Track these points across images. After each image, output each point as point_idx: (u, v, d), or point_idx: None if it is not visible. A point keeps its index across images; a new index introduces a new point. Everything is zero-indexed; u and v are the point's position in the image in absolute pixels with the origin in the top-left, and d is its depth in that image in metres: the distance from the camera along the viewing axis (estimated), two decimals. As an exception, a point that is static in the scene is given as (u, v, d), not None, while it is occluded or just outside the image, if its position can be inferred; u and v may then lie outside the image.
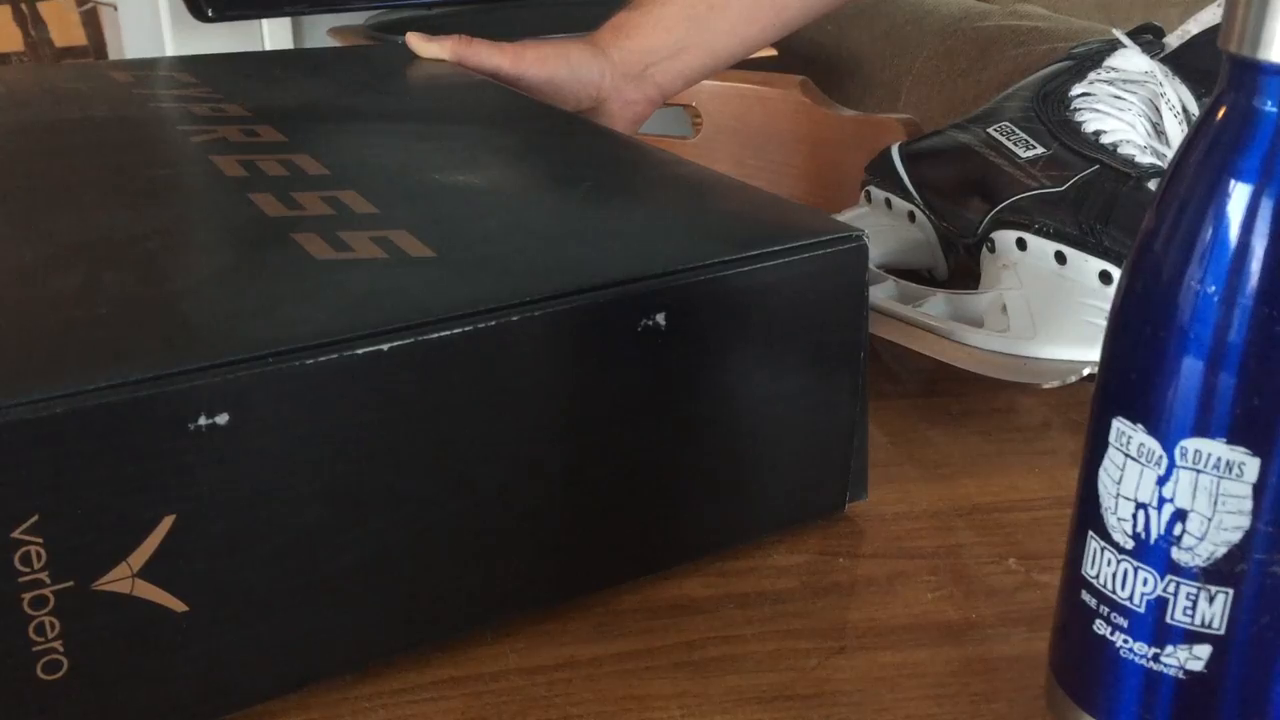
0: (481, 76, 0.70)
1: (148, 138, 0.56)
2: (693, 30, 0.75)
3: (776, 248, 0.42)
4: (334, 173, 0.49)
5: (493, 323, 0.37)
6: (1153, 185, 0.58)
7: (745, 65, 0.80)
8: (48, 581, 0.32)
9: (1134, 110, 0.62)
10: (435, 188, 0.48)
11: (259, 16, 1.39)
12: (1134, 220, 0.55)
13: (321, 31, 1.46)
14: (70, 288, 0.37)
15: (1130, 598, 0.33)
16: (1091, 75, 0.65)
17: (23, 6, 2.81)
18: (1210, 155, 0.30)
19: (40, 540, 0.31)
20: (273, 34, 1.49)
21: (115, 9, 1.57)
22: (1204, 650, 0.32)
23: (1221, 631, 0.32)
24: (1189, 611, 0.32)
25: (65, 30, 2.85)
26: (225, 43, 1.40)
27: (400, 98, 0.67)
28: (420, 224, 0.43)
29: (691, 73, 0.77)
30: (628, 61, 0.74)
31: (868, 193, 0.72)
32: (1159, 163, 0.59)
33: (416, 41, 0.74)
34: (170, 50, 1.41)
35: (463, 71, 0.71)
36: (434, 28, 0.76)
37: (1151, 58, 0.65)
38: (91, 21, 2.73)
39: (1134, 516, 0.32)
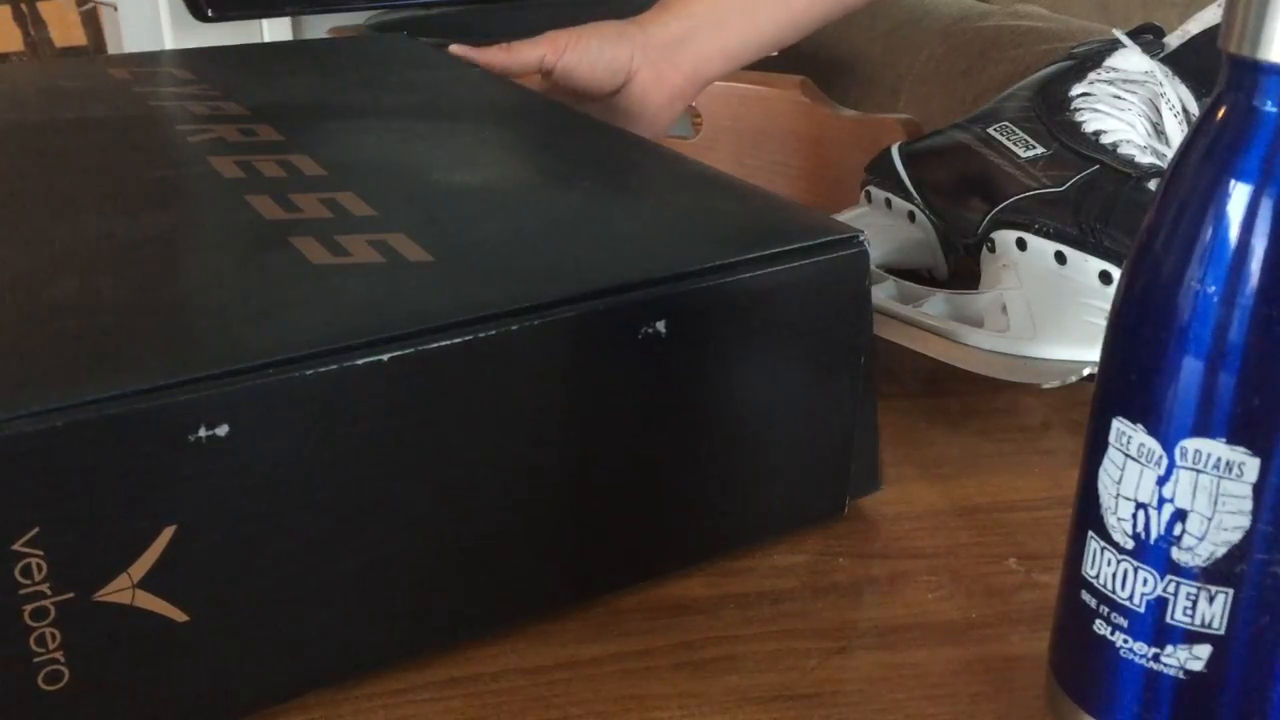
0: (481, 74, 0.70)
1: (145, 139, 0.55)
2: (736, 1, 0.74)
3: (777, 251, 0.42)
4: (331, 173, 0.49)
5: (492, 331, 0.36)
6: (1153, 185, 0.58)
7: (745, 65, 0.80)
8: (49, 593, 0.32)
9: (1134, 110, 0.62)
10: (433, 189, 0.48)
11: (259, 16, 1.39)
12: (1134, 220, 0.55)
13: (321, 31, 1.46)
14: (68, 296, 0.37)
15: (1130, 598, 0.33)
16: (1091, 75, 0.65)
17: (23, 6, 2.81)
18: (1210, 155, 0.30)
19: (41, 552, 0.31)
20: (273, 34, 1.49)
21: (115, 9, 1.57)
22: (1204, 650, 0.32)
23: (1221, 631, 0.32)
24: (1189, 611, 0.32)
25: (65, 30, 2.85)
26: (225, 43, 1.39)
27: (399, 95, 0.67)
28: (418, 227, 0.43)
29: (733, 49, 0.75)
30: (663, 34, 0.73)
31: (868, 193, 0.72)
32: (1159, 163, 0.59)
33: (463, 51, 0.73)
34: (170, 51, 1.41)
35: (462, 69, 0.71)
36: (434, 28, 0.76)
37: (1151, 58, 0.65)
38: (91, 21, 2.73)
39: (1134, 516, 0.32)
